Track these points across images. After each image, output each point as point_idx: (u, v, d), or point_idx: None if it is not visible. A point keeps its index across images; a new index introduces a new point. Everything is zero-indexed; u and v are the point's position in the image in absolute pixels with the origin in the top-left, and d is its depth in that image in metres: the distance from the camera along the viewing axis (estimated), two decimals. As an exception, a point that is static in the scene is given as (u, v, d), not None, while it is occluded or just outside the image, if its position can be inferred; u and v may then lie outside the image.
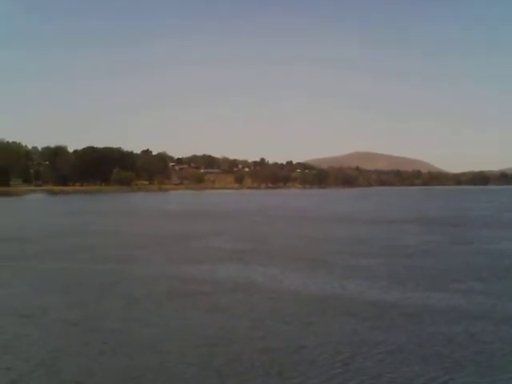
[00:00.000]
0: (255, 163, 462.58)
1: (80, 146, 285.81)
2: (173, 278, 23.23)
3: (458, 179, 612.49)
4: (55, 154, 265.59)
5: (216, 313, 16.94)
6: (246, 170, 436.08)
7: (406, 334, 14.70)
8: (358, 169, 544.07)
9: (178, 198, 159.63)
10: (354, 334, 14.58)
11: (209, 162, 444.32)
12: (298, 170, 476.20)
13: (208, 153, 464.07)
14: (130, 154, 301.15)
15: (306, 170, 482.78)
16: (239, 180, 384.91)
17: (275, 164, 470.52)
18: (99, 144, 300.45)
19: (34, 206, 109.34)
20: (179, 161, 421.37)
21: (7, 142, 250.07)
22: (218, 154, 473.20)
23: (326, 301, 18.71)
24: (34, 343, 13.90)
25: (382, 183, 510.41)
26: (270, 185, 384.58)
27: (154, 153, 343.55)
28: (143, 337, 14.36)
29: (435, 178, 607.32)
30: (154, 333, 14.72)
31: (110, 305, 18.06)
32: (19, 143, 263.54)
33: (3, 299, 19.22)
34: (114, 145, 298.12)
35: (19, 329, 15.21)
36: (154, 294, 19.68)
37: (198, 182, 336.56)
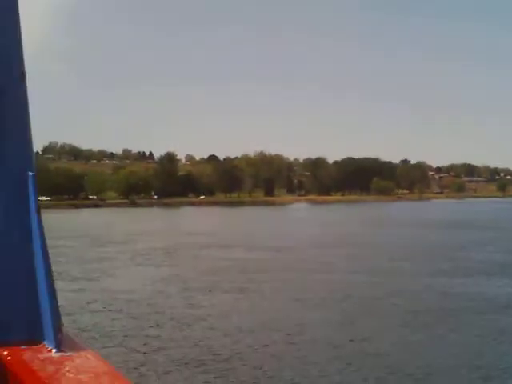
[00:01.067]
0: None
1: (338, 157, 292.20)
2: (440, 292, 21.88)
3: None
4: (316, 164, 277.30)
5: (489, 337, 15.21)
6: (509, 177, 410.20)
7: None
8: None
9: (442, 207, 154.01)
10: None
11: (469, 170, 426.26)
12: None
13: (467, 161, 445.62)
14: (389, 164, 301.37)
15: None
16: (502, 188, 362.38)
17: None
18: (355, 154, 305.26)
19: (297, 215, 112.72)
20: (438, 170, 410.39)
21: (269, 154, 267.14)
22: (477, 162, 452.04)
23: None
24: (288, 367, 12.64)
25: None
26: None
27: (412, 162, 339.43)
28: (419, 366, 12.75)
29: None
30: (431, 360, 13.25)
31: (376, 323, 16.84)
32: (281, 155, 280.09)
33: (261, 313, 18.57)
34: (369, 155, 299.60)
35: (275, 348, 14.22)
36: (419, 312, 18.45)
37: (459, 190, 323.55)
